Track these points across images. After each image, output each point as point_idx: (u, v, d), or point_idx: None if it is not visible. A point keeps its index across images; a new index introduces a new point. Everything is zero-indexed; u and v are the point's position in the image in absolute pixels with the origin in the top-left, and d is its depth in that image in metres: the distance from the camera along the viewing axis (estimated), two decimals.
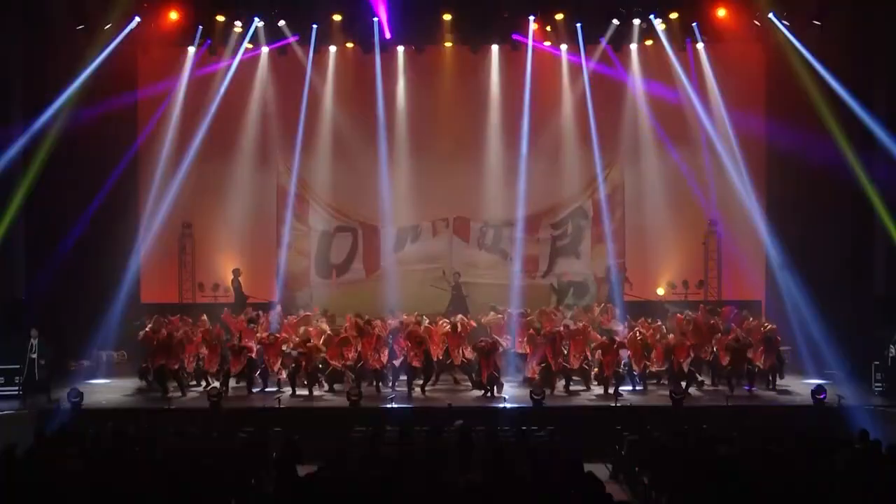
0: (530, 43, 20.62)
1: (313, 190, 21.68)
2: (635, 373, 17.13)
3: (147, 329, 17.48)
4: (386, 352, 17.26)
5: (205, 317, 18.47)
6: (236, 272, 20.80)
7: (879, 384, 16.42)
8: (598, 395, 16.63)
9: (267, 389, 17.10)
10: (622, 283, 20.95)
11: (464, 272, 21.33)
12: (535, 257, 21.76)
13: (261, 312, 18.69)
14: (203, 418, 14.23)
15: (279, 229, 21.52)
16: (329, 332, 17.77)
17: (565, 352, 17.04)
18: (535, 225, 21.63)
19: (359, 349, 17.08)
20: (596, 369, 16.95)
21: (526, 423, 13.79)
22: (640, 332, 17.43)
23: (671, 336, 17.22)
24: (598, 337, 17.31)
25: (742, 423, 13.18)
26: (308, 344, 16.93)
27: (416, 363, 16.84)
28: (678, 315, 18.31)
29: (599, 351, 16.93)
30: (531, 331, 17.48)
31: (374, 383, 17.19)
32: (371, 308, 19.45)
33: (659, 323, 18.00)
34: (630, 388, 17.02)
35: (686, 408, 15.45)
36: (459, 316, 18.04)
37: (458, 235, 21.78)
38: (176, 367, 16.83)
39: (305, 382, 16.76)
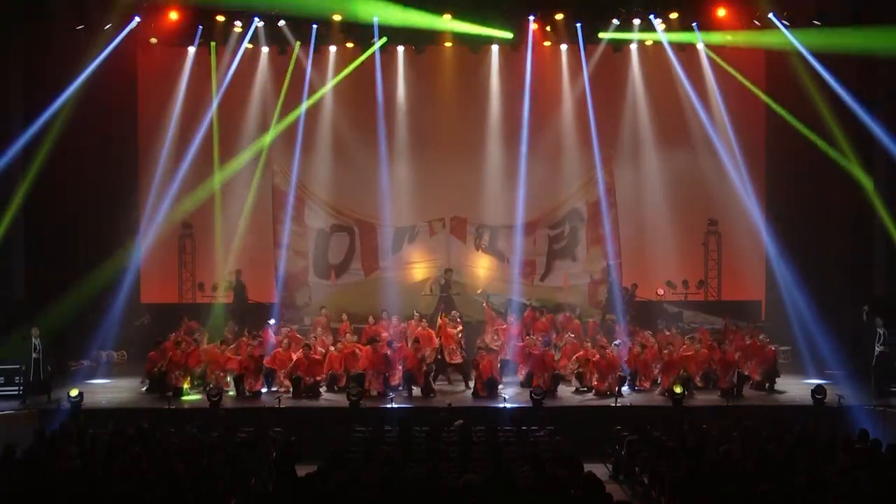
0: (530, 43, 20.63)
1: (311, 189, 21.61)
2: (638, 388, 17.05)
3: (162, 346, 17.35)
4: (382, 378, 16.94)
5: (205, 341, 18.11)
6: (238, 273, 20.65)
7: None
8: (597, 395, 16.61)
9: (270, 389, 17.07)
10: (621, 284, 20.89)
11: (460, 273, 21.27)
12: (533, 261, 21.65)
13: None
14: (203, 418, 14.23)
15: (276, 229, 21.47)
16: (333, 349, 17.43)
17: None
18: (533, 227, 21.52)
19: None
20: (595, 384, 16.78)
21: (526, 423, 13.77)
22: (639, 350, 17.34)
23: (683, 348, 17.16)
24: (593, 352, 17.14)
25: (742, 423, 13.16)
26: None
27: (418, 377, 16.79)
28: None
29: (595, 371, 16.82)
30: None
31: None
32: (370, 309, 19.46)
33: (670, 332, 17.92)
34: (630, 388, 17.00)
35: (686, 408, 15.43)
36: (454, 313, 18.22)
37: (455, 236, 21.68)
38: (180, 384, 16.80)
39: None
